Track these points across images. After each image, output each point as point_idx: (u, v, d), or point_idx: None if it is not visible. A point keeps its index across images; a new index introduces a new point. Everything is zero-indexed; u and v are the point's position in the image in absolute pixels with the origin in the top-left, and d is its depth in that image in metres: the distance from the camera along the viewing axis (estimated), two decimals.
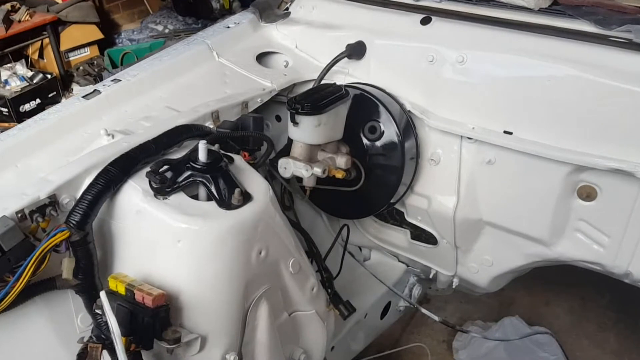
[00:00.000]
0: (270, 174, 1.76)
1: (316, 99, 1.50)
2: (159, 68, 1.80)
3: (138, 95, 1.71)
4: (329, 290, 1.65)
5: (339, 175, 1.57)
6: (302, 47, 2.01)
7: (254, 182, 1.39)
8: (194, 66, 1.85)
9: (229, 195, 1.29)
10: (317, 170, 1.50)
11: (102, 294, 1.20)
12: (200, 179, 1.30)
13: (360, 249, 2.29)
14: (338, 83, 1.69)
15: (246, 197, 1.31)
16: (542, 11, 1.61)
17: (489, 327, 2.88)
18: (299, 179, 1.62)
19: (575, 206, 1.61)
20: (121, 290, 1.22)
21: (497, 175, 1.67)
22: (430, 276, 2.11)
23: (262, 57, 2.02)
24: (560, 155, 1.51)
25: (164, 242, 1.26)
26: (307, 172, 1.50)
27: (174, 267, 1.27)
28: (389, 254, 2.25)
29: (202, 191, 1.33)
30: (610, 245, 1.59)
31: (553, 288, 3.26)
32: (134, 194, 1.30)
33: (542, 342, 2.69)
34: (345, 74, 1.88)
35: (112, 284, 1.23)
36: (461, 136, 1.69)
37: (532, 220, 1.67)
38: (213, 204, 1.29)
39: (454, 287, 2.07)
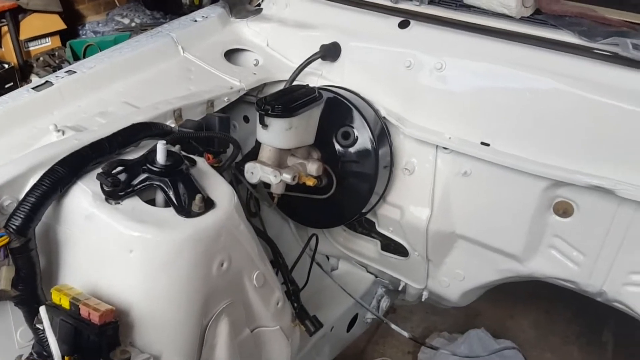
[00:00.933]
0: (236, 179, 1.65)
1: (287, 100, 1.41)
2: (118, 60, 1.67)
3: (94, 89, 1.58)
4: (295, 305, 1.56)
5: (310, 182, 1.48)
6: (274, 46, 1.92)
7: (218, 188, 1.28)
8: (156, 60, 1.74)
9: (189, 201, 1.18)
10: (287, 177, 1.41)
11: (42, 309, 1.08)
12: (158, 183, 1.19)
13: (328, 258, 2.20)
14: (311, 85, 1.60)
15: (208, 204, 1.21)
16: (524, 20, 1.55)
17: (454, 339, 2.83)
18: (267, 185, 1.52)
19: (551, 222, 1.56)
20: (65, 304, 1.10)
21: (473, 187, 1.61)
22: (400, 288, 2.04)
23: (230, 54, 1.92)
24: (539, 169, 1.45)
25: (115, 251, 1.15)
26: (275, 178, 1.40)
27: (125, 280, 1.15)
28: (357, 264, 2.17)
29: (159, 196, 1.22)
30: (585, 264, 1.54)
31: (519, 301, 3.24)
32: (83, 197, 1.19)
33: (508, 356, 2.66)
34: (319, 76, 1.79)
35: (56, 297, 1.11)
36: (437, 146, 1.62)
37: (507, 235, 1.61)
38: (171, 210, 1.18)
39: (423, 299, 2.00)
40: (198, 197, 1.17)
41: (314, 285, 1.94)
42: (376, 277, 2.19)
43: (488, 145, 1.52)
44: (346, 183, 1.64)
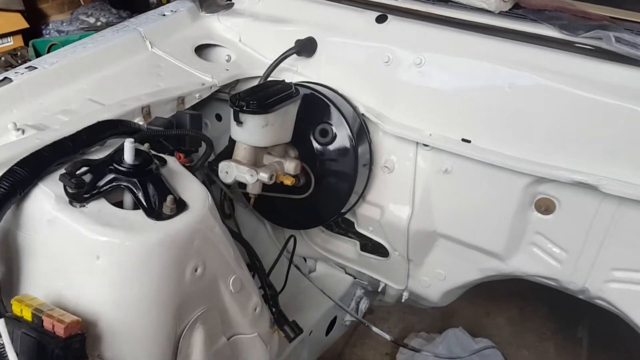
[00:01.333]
0: (209, 179, 1.58)
1: (263, 96, 1.35)
2: (82, 56, 1.59)
3: (56, 86, 1.49)
4: (274, 310, 1.49)
5: (288, 182, 1.42)
6: (247, 41, 1.85)
7: (190, 188, 1.21)
8: (123, 55, 1.65)
9: (160, 203, 1.11)
10: (264, 176, 1.34)
11: (1, 322, 0.99)
12: (126, 184, 1.11)
13: (305, 260, 2.15)
14: (286, 81, 1.54)
15: (180, 206, 1.13)
16: (503, 14, 1.53)
17: (432, 339, 2.80)
18: (242, 185, 1.45)
19: (533, 219, 1.53)
20: (27, 315, 1.01)
21: (454, 185, 1.57)
22: (379, 289, 2.00)
23: (201, 50, 1.85)
24: (520, 166, 1.42)
25: (80, 258, 1.07)
26: (251, 178, 1.34)
27: (92, 288, 1.07)
28: (335, 265, 2.12)
29: (127, 198, 1.14)
30: (567, 261, 1.52)
31: (494, 298, 3.24)
32: (45, 200, 1.10)
33: (487, 355, 2.64)
34: (294, 72, 1.73)
35: (17, 308, 1.02)
36: (417, 143, 1.58)
37: (488, 233, 1.58)
38: (140, 213, 1.10)
39: (403, 300, 1.96)
40: (169, 198, 1.10)
41: (291, 288, 1.88)
42: (355, 278, 2.14)
43: (469, 142, 1.48)
44: (325, 182, 1.59)
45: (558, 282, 1.57)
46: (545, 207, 1.49)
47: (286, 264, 1.82)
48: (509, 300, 3.24)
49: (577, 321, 3.12)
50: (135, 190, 1.11)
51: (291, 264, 1.76)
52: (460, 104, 1.49)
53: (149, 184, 1.12)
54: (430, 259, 1.75)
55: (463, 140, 1.49)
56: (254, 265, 1.53)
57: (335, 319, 2.14)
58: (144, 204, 1.11)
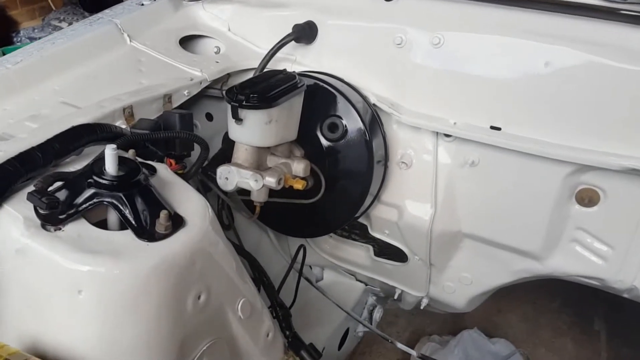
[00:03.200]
0: (204, 186, 1.39)
1: (264, 88, 1.15)
2: (51, 53, 1.38)
3: (22, 88, 1.29)
4: (287, 332, 1.30)
5: (299, 185, 1.22)
6: (237, 30, 1.65)
7: (187, 200, 1.02)
8: (98, 51, 1.45)
9: (152, 220, 0.92)
10: (270, 181, 1.15)
11: None
12: (109, 200, 0.92)
13: (311, 268, 1.96)
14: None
15: (176, 222, 0.94)
16: None
17: (446, 342, 2.64)
18: (242, 192, 1.26)
19: (573, 213, 1.36)
20: None
21: (481, 179, 1.40)
22: (395, 297, 1.82)
23: (186, 43, 1.65)
24: (562, 153, 1.25)
25: (59, 293, 0.88)
26: (256, 184, 1.15)
27: (74, 330, 0.88)
28: (344, 272, 1.94)
29: (112, 216, 0.95)
30: (613, 258, 1.36)
31: (503, 293, 3.08)
32: (12, 224, 0.91)
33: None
34: (292, 62, 1.54)
35: None
36: (437, 133, 1.40)
37: (522, 232, 1.41)
38: (129, 233, 0.91)
39: (422, 307, 1.79)
40: (163, 214, 0.91)
41: (299, 299, 1.69)
42: (366, 285, 1.96)
43: (499, 129, 1.31)
44: (336, 184, 1.40)
45: (602, 281, 1.41)
46: (588, 198, 1.33)
47: (291, 274, 1.64)
48: (519, 295, 3.10)
49: (592, 312, 2.98)
50: (121, 207, 0.92)
51: (300, 276, 1.57)
52: (487, 87, 1.31)
53: (137, 199, 0.93)
54: (454, 263, 1.57)
55: (492, 127, 1.31)
56: (262, 282, 1.34)
57: (347, 330, 1.95)
58: (133, 222, 0.91)
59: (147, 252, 0.89)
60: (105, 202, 0.92)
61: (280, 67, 1.52)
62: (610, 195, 1.30)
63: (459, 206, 1.45)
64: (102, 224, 0.96)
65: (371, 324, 1.99)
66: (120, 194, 0.92)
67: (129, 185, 0.94)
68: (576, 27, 1.23)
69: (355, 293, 1.94)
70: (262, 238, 1.68)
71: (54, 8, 5.84)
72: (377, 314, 2.00)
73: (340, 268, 1.85)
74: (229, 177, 1.17)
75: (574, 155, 1.24)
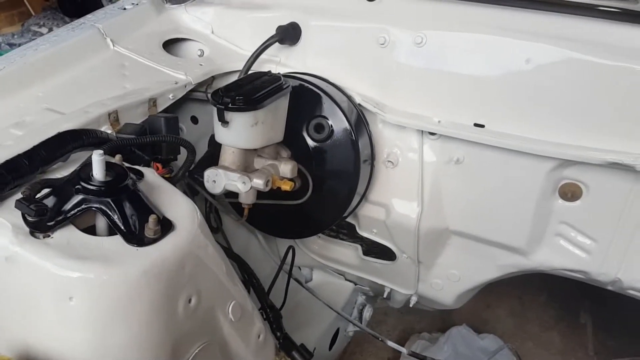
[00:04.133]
0: (191, 190, 1.39)
1: (250, 90, 1.16)
2: (34, 59, 1.37)
3: (6, 95, 1.27)
4: (278, 334, 1.31)
5: (287, 187, 1.23)
6: (220, 33, 1.66)
7: (175, 203, 1.02)
8: (81, 56, 1.44)
9: (141, 225, 0.92)
10: (258, 182, 1.15)
11: None
12: (98, 206, 0.92)
13: (300, 269, 1.96)
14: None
15: (165, 226, 0.94)
16: None
17: (436, 339, 2.66)
18: (230, 195, 1.26)
19: (557, 208, 1.38)
20: None
21: (467, 176, 1.41)
22: (385, 295, 1.83)
23: (169, 46, 1.64)
24: (545, 149, 1.27)
25: (49, 300, 0.87)
26: (244, 186, 1.15)
27: (67, 336, 0.88)
28: (333, 272, 1.95)
29: (101, 222, 0.95)
30: (597, 251, 1.38)
31: (491, 289, 3.10)
32: (1, 232, 0.90)
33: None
34: (277, 64, 1.55)
35: None
36: (422, 132, 1.42)
37: (508, 227, 1.43)
38: (118, 239, 0.91)
39: (411, 305, 1.80)
40: (152, 218, 0.91)
41: (288, 301, 1.70)
42: (355, 284, 1.97)
43: (482, 126, 1.33)
44: (323, 184, 1.41)
45: (586, 274, 1.43)
46: (571, 193, 1.35)
47: (280, 276, 1.64)
48: (507, 290, 3.13)
49: (578, 306, 3.02)
50: (109, 213, 0.91)
51: (290, 278, 1.58)
52: (470, 85, 1.33)
53: (125, 204, 0.93)
54: (442, 260, 1.59)
55: (475, 125, 1.33)
56: (252, 284, 1.34)
57: (337, 330, 1.96)
58: (122, 227, 0.91)
59: (137, 257, 0.89)
60: (93, 208, 0.92)
61: (264, 69, 1.52)
62: (593, 189, 1.32)
63: (446, 204, 1.47)
64: (92, 230, 0.96)
65: (361, 323, 2.00)
66: (109, 200, 0.92)
67: (117, 191, 0.93)
68: (557, 24, 1.25)
69: (345, 293, 1.94)
70: (250, 240, 1.68)
71: (33, 13, 5.77)
72: (367, 313, 2.01)
73: (329, 268, 1.85)
74: (217, 180, 1.17)
75: (556, 150, 1.26)
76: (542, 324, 2.99)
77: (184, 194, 1.16)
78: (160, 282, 0.90)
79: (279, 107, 1.24)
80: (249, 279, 1.37)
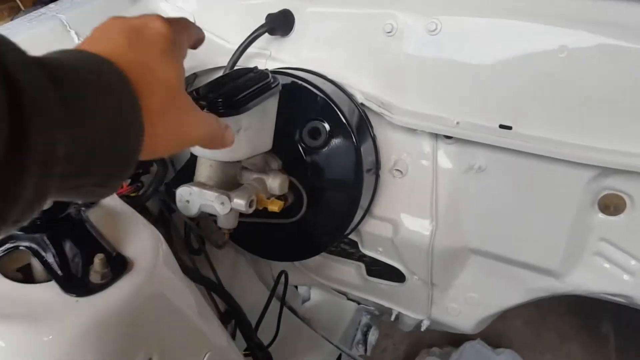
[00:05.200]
0: (167, 208, 1.19)
1: (231, 90, 0.94)
2: None
3: None
4: None
5: (275, 207, 1.02)
6: (203, 23, 1.38)
7: (134, 234, 0.82)
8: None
9: (85, 266, 0.72)
10: (239, 203, 0.94)
11: None
12: (27, 244, 0.71)
13: (297, 288, 1.76)
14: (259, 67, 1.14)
15: (118, 266, 0.74)
16: None
17: (447, 355, 2.45)
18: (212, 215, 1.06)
19: (597, 223, 1.17)
20: None
21: (490, 187, 1.20)
22: (392, 318, 1.62)
23: None
24: (582, 155, 1.06)
25: None
26: (223, 207, 0.94)
27: None
28: (334, 291, 1.74)
29: (35, 264, 0.74)
30: None
31: None
32: None
33: None
34: (267, 58, 1.34)
35: None
36: (436, 135, 1.21)
37: (538, 246, 1.22)
38: (54, 286, 0.71)
39: (423, 329, 1.60)
40: (97, 258, 0.71)
41: (282, 328, 1.49)
42: (359, 304, 1.76)
43: (510, 128, 1.11)
44: (320, 199, 1.20)
45: (629, 298, 1.22)
46: (613, 206, 1.14)
47: (280, 307, 1.43)
48: None
49: (600, 315, 2.82)
50: (42, 253, 0.71)
51: (283, 306, 1.37)
52: (494, 80, 1.12)
53: (65, 240, 0.73)
54: (460, 282, 1.38)
55: (501, 126, 1.12)
56: (236, 320, 1.14)
57: (339, 357, 1.76)
58: (58, 272, 0.71)
59: (76, 310, 0.68)
60: (21, 247, 0.72)
61: (253, 64, 1.32)
62: (638, 201, 1.11)
63: (464, 219, 1.26)
64: (27, 273, 0.76)
65: (366, 347, 1.80)
66: (42, 235, 0.72)
67: (55, 222, 0.73)
68: (599, 7, 1.04)
69: (347, 313, 1.74)
70: (238, 261, 1.48)
71: (22, 8, 5.58)
72: (373, 337, 1.81)
73: (328, 287, 1.65)
74: (191, 199, 0.96)
75: (597, 157, 1.05)
76: (562, 335, 2.79)
77: (160, 213, 0.96)
78: (108, 342, 0.70)
79: (267, 109, 1.03)
80: (232, 313, 1.17)
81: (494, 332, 2.71)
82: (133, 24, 0.56)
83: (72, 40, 1.29)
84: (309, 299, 1.79)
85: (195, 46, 0.72)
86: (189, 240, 1.26)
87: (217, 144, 0.68)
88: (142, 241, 0.80)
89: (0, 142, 0.34)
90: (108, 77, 0.48)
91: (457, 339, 2.55)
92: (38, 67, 0.40)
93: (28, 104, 0.36)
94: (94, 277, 0.72)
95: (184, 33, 0.66)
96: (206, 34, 1.39)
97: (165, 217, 1.21)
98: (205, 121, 0.65)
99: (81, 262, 0.73)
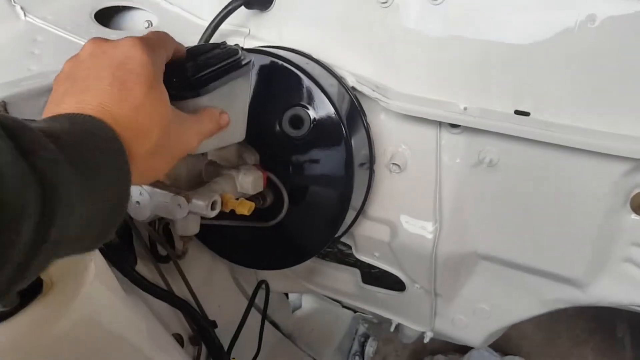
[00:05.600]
0: None
1: (191, 69, 0.77)
2: None
3: None
4: None
5: (244, 209, 0.84)
6: None
7: None
8: None
9: None
10: (199, 205, 0.77)
11: None
12: None
13: (287, 296, 1.59)
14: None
15: (29, 290, 0.57)
16: None
17: None
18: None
19: (627, 225, 1.00)
20: None
21: (503, 183, 1.03)
22: (392, 329, 1.46)
23: (106, 17, 1.26)
24: (614, 145, 0.89)
25: None
26: (180, 210, 0.77)
27: None
28: (327, 298, 1.58)
29: None
30: None
31: None
32: None
33: None
34: (245, 36, 1.17)
35: None
36: (440, 124, 1.04)
37: (559, 251, 1.05)
38: None
39: (426, 341, 1.43)
40: None
41: (265, 342, 1.33)
42: (355, 312, 1.60)
43: (527, 114, 0.94)
44: (304, 198, 1.03)
45: None
46: None
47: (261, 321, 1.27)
48: None
49: (614, 316, 2.65)
50: None
51: (264, 321, 1.20)
52: (508, 58, 0.94)
53: None
54: (467, 291, 1.21)
55: (517, 112, 0.94)
56: (204, 341, 0.97)
57: None
58: None
59: None
60: None
61: (230, 43, 1.14)
62: None
63: (472, 220, 1.09)
64: None
65: (363, 359, 1.63)
66: None
67: None
68: None
69: (343, 322, 1.58)
70: (216, 267, 1.31)
71: None
72: (371, 348, 1.64)
73: (320, 295, 1.48)
74: (142, 201, 0.79)
75: (632, 147, 0.87)
76: (574, 339, 2.62)
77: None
78: None
79: (236, 92, 0.86)
80: (200, 335, 1.00)
81: (502, 338, 2.52)
82: (115, 61, 0.58)
83: (17, 16, 1.12)
84: (300, 307, 1.63)
85: (172, 58, 0.73)
86: (154, 247, 1.09)
87: (214, 132, 0.73)
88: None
89: (31, 227, 0.39)
90: (107, 144, 0.51)
91: (463, 346, 2.39)
92: (64, 162, 0.43)
93: (57, 199, 0.41)
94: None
95: (162, 52, 0.67)
96: (176, 9, 1.23)
97: (124, 220, 1.04)
98: (200, 125, 0.70)
99: None
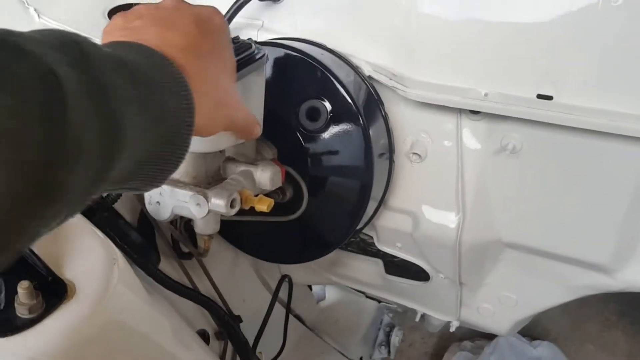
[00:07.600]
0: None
1: None
2: None
3: None
4: None
5: (263, 206, 0.83)
6: None
7: (79, 251, 0.65)
8: None
9: (9, 298, 0.55)
10: (218, 203, 0.77)
11: None
12: None
13: (311, 288, 1.59)
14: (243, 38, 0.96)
15: (53, 294, 0.58)
16: None
17: (480, 349, 2.28)
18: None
19: None
20: None
21: (526, 169, 1.01)
22: (417, 319, 1.45)
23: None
24: None
25: None
26: (199, 209, 0.77)
27: None
28: (351, 288, 1.57)
29: None
30: None
31: None
32: None
33: None
34: (259, 28, 1.16)
35: None
36: (460, 110, 1.01)
37: (586, 237, 1.03)
38: None
39: (452, 330, 1.42)
40: (21, 287, 0.54)
41: (290, 335, 1.33)
42: (379, 302, 1.59)
43: (550, 98, 0.91)
44: (323, 191, 1.02)
45: None
46: None
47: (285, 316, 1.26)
48: None
49: None
50: None
51: (288, 317, 1.20)
52: (529, 40, 0.92)
53: None
54: (493, 280, 1.19)
55: (539, 97, 0.92)
56: (230, 338, 0.97)
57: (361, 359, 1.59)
58: None
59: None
60: None
61: (243, 37, 1.13)
62: None
63: (496, 208, 1.06)
64: None
65: (389, 349, 1.62)
66: None
67: None
68: None
69: (367, 312, 1.57)
70: (238, 262, 1.31)
71: None
72: (396, 338, 1.63)
73: (344, 285, 1.48)
74: (162, 201, 0.79)
75: None
76: (603, 322, 2.58)
77: (142, 214, 0.80)
78: None
79: (251, 87, 0.85)
80: (225, 330, 1.00)
81: (530, 324, 2.50)
82: (200, 17, 0.59)
83: (32, 18, 1.13)
84: (324, 298, 1.63)
85: None
86: (176, 245, 1.09)
87: (247, 132, 0.72)
88: (88, 259, 0.64)
89: (91, 168, 0.38)
90: (177, 87, 0.50)
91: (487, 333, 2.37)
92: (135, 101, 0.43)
93: (120, 139, 0.40)
94: (21, 310, 0.55)
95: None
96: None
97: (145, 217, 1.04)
98: (238, 116, 0.68)
99: (4, 292, 0.57)
